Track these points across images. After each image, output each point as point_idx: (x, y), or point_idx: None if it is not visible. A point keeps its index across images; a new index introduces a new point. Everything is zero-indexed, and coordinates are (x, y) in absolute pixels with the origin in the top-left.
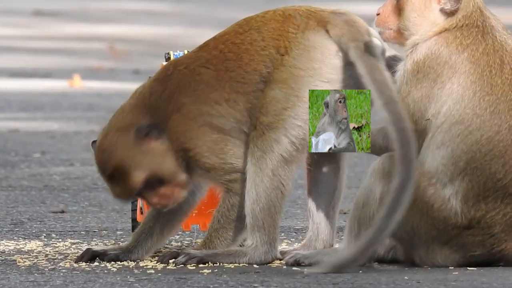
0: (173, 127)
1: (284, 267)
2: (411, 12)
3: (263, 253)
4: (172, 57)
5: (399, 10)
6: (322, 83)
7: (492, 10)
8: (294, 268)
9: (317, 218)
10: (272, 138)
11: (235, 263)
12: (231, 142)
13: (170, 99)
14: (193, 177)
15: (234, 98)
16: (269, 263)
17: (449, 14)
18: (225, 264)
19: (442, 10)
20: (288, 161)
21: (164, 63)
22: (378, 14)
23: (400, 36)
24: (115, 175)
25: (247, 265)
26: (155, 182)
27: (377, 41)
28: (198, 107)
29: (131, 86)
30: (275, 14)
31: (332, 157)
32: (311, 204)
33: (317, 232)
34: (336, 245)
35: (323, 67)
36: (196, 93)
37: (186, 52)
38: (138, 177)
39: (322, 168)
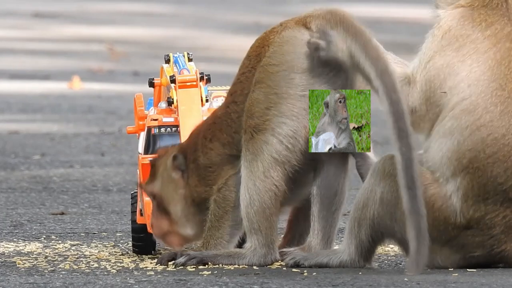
0: (191, 179)
1: (284, 268)
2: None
3: (262, 256)
4: (171, 59)
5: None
6: (297, 75)
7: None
8: (294, 270)
9: (318, 224)
10: (261, 140)
11: (234, 264)
12: (220, 170)
13: (193, 146)
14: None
15: (229, 140)
16: (268, 264)
17: None
18: (225, 266)
19: None
20: (280, 162)
21: (164, 65)
22: None
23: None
24: (152, 167)
25: (246, 266)
26: (161, 208)
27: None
28: (198, 160)
29: (131, 88)
30: (261, 34)
31: (335, 161)
32: (313, 209)
33: (317, 239)
34: (336, 247)
35: (295, 58)
36: (201, 147)
37: (185, 54)
38: (153, 187)
39: (325, 173)
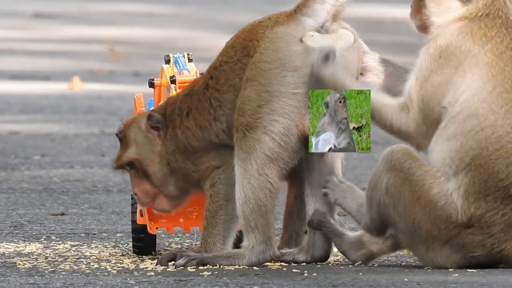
0: (167, 142)
1: (284, 269)
2: (430, 2)
3: (261, 253)
4: (171, 60)
5: (420, 2)
6: (288, 72)
7: None
8: (294, 270)
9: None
10: (253, 138)
11: (234, 265)
12: (204, 153)
13: (170, 115)
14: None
15: (206, 125)
16: (267, 261)
17: (466, 1)
18: (225, 266)
19: None
20: (273, 159)
21: (164, 65)
22: (411, 6)
23: (427, 28)
24: (121, 140)
25: (247, 267)
26: (141, 172)
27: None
28: (176, 131)
29: (131, 89)
30: (247, 26)
31: (327, 161)
32: (308, 209)
33: (315, 238)
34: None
35: (288, 55)
36: (179, 119)
37: (185, 54)
38: (128, 154)
39: (318, 171)
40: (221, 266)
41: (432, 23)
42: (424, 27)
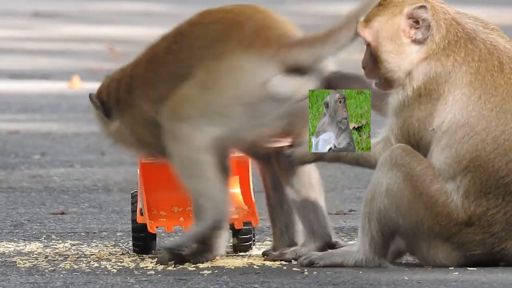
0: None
1: (285, 268)
2: (387, 54)
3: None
4: None
5: (376, 58)
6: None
7: (487, 10)
8: (295, 269)
9: (307, 216)
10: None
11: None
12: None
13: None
14: None
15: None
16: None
17: (423, 42)
18: (225, 265)
19: (415, 41)
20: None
21: None
22: (364, 68)
23: (390, 83)
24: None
25: (247, 266)
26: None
27: None
28: (140, 103)
29: None
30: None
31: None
32: (294, 205)
33: (313, 229)
34: (350, 242)
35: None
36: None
37: None
38: None
39: (290, 169)
40: (228, 264)
41: (397, 72)
42: (388, 83)
